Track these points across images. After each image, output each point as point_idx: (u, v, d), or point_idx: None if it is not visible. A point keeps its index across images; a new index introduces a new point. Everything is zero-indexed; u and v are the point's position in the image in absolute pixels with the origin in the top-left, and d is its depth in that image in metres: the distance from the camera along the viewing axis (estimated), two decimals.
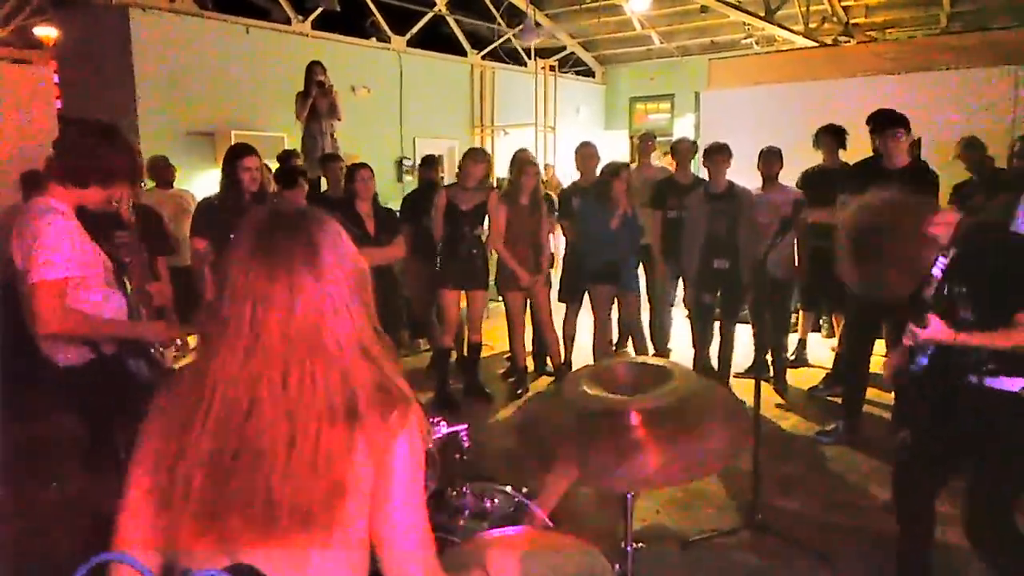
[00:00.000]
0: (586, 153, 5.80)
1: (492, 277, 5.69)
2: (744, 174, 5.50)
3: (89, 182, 2.53)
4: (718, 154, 5.30)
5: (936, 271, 2.43)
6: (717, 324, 5.54)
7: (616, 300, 5.55)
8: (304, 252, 1.11)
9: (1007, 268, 2.39)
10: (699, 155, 6.32)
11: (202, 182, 7.54)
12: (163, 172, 6.48)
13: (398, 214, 5.74)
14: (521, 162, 5.44)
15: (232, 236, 1.17)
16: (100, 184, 2.56)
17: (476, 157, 5.37)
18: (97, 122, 2.65)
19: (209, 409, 1.08)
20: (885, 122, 4.40)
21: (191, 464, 1.07)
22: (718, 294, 5.43)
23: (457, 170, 5.48)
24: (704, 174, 5.77)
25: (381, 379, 1.14)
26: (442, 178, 7.65)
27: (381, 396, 1.13)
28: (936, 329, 2.39)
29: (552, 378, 5.84)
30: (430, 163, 6.56)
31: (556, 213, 6.03)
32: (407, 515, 1.16)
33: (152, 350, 2.73)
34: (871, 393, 4.89)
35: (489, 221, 5.38)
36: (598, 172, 5.61)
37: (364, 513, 1.13)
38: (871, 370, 4.73)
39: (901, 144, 4.35)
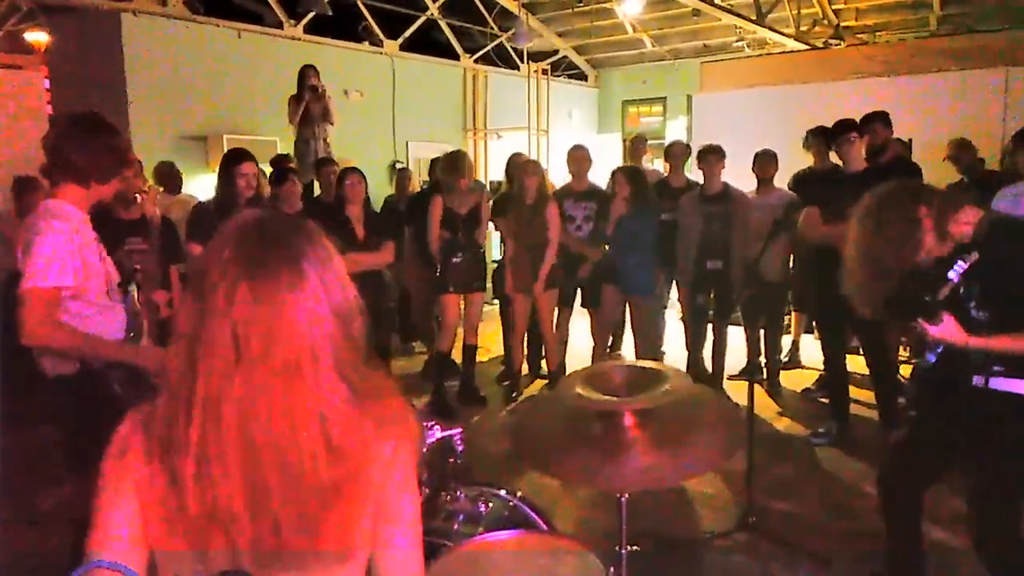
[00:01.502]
0: (578, 156, 5.81)
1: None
2: (737, 176, 5.51)
3: (110, 177, 2.48)
4: (712, 155, 5.31)
5: (953, 274, 2.29)
6: (710, 326, 5.54)
7: (627, 304, 5.47)
8: (289, 273, 1.07)
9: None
10: (692, 158, 6.35)
11: (195, 187, 7.50)
12: (171, 178, 6.47)
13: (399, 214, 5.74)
14: (521, 165, 5.45)
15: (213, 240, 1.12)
16: (117, 175, 2.51)
17: (464, 165, 5.31)
18: (88, 114, 2.56)
19: (192, 428, 1.05)
20: (836, 131, 4.44)
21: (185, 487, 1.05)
22: (711, 295, 5.43)
23: (444, 175, 5.38)
24: (697, 177, 5.78)
25: (363, 401, 1.11)
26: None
27: (365, 416, 1.11)
28: (948, 329, 2.26)
29: (546, 381, 5.84)
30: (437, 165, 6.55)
31: None
32: (407, 537, 1.16)
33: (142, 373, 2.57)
34: (864, 394, 4.91)
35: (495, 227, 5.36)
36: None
37: (363, 531, 1.12)
38: (857, 371, 4.78)
39: (854, 148, 4.35)
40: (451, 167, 5.30)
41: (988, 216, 2.36)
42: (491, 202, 5.73)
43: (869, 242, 2.35)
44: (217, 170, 4.35)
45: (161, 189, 6.49)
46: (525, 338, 5.78)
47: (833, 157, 5.74)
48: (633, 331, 5.55)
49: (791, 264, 5.73)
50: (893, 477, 2.76)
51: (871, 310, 2.40)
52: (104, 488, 1.12)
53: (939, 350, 2.45)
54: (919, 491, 2.68)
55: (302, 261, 1.08)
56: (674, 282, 5.95)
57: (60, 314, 2.34)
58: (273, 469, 1.04)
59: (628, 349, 6.13)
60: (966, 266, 2.28)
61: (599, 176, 6.06)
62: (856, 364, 4.81)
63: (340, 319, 1.10)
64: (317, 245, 1.12)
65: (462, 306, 5.43)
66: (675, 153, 6.11)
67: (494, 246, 7.83)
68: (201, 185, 7.31)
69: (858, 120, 4.58)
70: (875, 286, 2.35)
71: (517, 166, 5.61)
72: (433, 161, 6.80)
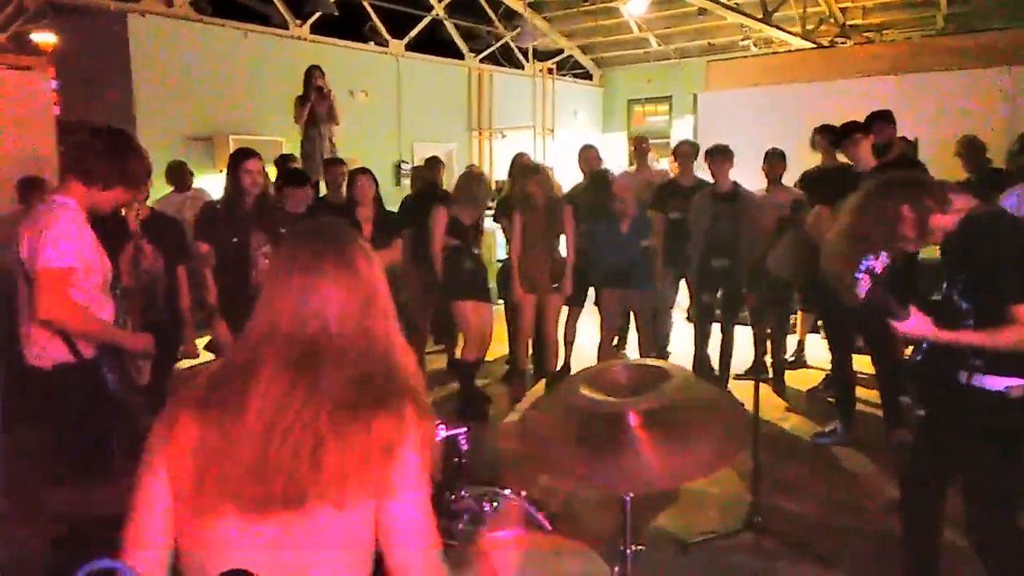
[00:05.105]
0: (589, 156, 5.80)
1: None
2: (743, 175, 5.49)
3: (116, 185, 2.62)
4: (720, 155, 5.31)
5: (862, 274, 2.23)
6: (717, 325, 5.53)
7: (629, 303, 5.45)
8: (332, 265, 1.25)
9: (997, 251, 2.22)
10: (700, 157, 6.34)
11: (201, 186, 7.53)
12: (179, 176, 6.57)
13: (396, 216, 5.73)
14: (525, 172, 5.44)
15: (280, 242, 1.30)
16: (124, 187, 2.65)
17: (480, 182, 5.31)
18: (113, 128, 2.75)
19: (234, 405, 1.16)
20: (843, 133, 4.49)
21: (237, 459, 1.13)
22: (718, 294, 5.42)
23: (461, 192, 5.37)
24: (703, 175, 5.77)
25: (394, 374, 1.23)
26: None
27: (391, 390, 1.20)
28: (916, 325, 2.23)
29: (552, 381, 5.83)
30: (433, 165, 6.54)
31: None
32: (413, 512, 1.23)
33: (128, 364, 2.78)
34: (870, 394, 4.90)
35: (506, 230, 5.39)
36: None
37: (368, 507, 1.17)
38: (863, 370, 4.76)
39: (861, 148, 4.39)
40: (470, 189, 5.28)
41: (974, 211, 2.29)
42: (495, 203, 5.72)
43: (847, 233, 2.33)
44: (225, 170, 4.39)
45: (171, 188, 6.56)
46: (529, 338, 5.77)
47: (841, 156, 5.74)
48: (643, 326, 5.58)
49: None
50: (910, 476, 2.74)
51: (847, 296, 2.35)
52: (144, 476, 1.18)
53: (925, 345, 2.41)
54: (935, 490, 2.65)
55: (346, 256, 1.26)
56: (683, 281, 5.93)
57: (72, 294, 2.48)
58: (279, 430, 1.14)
59: (633, 349, 6.12)
60: (878, 264, 2.22)
61: None
62: (862, 363, 4.80)
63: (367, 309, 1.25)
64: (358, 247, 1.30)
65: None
66: (683, 152, 6.09)
67: (499, 247, 7.83)
68: (207, 185, 7.33)
69: (863, 119, 4.59)
70: (849, 277, 2.31)
71: (520, 167, 5.61)
72: (427, 160, 6.74)
